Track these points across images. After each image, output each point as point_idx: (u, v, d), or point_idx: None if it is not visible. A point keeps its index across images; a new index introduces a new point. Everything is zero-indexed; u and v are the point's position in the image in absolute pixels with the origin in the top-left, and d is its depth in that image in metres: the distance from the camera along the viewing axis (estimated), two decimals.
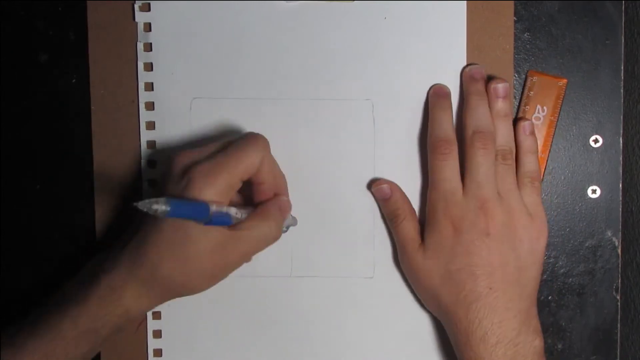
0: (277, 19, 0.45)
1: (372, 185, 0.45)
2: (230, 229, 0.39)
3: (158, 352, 0.46)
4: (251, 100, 0.45)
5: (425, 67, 0.45)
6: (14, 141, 0.46)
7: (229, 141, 0.40)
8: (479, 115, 0.42)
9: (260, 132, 0.41)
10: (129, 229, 0.43)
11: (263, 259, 0.45)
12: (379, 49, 0.45)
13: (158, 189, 0.45)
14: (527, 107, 0.45)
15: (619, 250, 0.46)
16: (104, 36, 0.45)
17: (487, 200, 0.41)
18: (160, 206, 0.32)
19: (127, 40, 0.45)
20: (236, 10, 0.45)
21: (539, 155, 0.45)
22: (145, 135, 0.45)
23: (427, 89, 0.45)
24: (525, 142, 0.44)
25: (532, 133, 0.44)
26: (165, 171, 0.40)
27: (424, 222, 0.44)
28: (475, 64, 0.44)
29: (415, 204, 0.45)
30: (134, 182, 0.46)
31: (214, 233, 0.38)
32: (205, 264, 0.38)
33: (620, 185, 0.46)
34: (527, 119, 0.45)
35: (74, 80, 0.46)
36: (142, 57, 0.45)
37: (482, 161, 0.42)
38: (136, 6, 0.45)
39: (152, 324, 0.46)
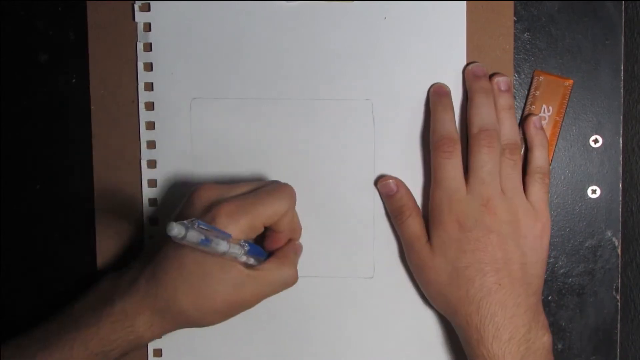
0: (277, 19, 0.45)
1: (378, 181, 0.45)
2: (249, 269, 0.39)
3: (158, 352, 0.46)
4: (251, 100, 0.45)
5: (425, 67, 0.45)
6: (14, 141, 0.46)
7: (258, 185, 0.41)
8: (484, 113, 0.43)
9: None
10: (146, 251, 0.43)
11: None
12: (379, 49, 0.45)
13: (166, 212, 0.45)
14: (532, 106, 0.45)
15: (619, 250, 0.46)
16: (104, 36, 0.45)
17: (491, 198, 0.41)
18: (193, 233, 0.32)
19: (127, 40, 0.45)
20: (236, 10, 0.45)
21: None
22: (145, 135, 0.45)
23: (427, 88, 0.45)
24: (537, 136, 0.44)
25: (542, 128, 0.44)
26: (186, 201, 0.40)
27: (427, 221, 0.44)
28: (475, 62, 0.45)
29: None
30: (134, 182, 0.46)
31: (233, 272, 0.38)
32: (221, 302, 0.39)
33: (620, 185, 0.46)
34: (536, 114, 0.45)
35: (74, 80, 0.46)
36: (142, 57, 0.45)
37: (487, 159, 0.42)
38: (136, 6, 0.45)
39: None
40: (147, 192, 0.46)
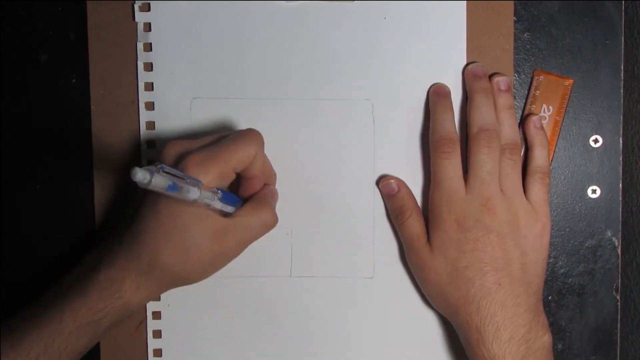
0: (277, 19, 0.45)
1: (379, 181, 0.45)
2: (226, 217, 0.39)
3: (158, 352, 0.46)
4: (251, 100, 0.45)
5: (425, 67, 0.45)
6: (14, 141, 0.46)
7: (224, 134, 0.40)
8: (484, 113, 0.43)
9: (261, 132, 0.41)
10: (123, 220, 0.43)
11: (263, 259, 0.45)
12: (379, 49, 0.45)
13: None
14: (532, 106, 0.45)
15: (619, 250, 0.46)
16: (104, 36, 0.45)
17: (491, 198, 0.41)
18: (155, 176, 0.31)
19: (127, 40, 0.45)
20: (236, 10, 0.45)
21: None
22: (145, 135, 0.45)
23: (427, 88, 0.45)
24: (537, 136, 0.44)
25: (542, 127, 0.44)
26: (157, 159, 0.40)
27: (427, 221, 0.44)
28: (475, 62, 0.45)
29: None
30: (134, 182, 0.45)
31: (211, 221, 0.38)
32: (204, 253, 0.38)
33: (620, 185, 0.46)
34: (536, 114, 0.45)
35: (74, 80, 0.46)
36: (142, 57, 0.45)
37: (486, 159, 0.42)
38: (136, 6, 0.45)
39: (152, 324, 0.46)
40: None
